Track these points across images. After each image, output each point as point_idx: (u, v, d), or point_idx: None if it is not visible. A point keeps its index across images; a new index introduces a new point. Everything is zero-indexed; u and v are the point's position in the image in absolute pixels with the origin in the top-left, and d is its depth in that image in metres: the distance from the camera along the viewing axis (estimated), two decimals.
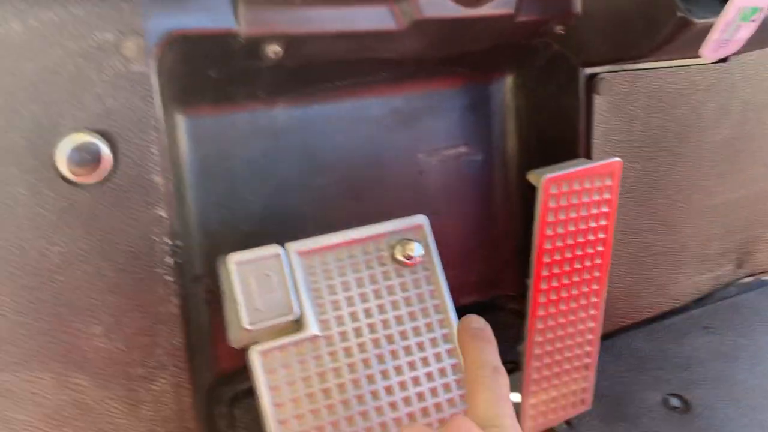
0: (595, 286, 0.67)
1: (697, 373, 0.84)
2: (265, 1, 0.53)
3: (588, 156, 0.76)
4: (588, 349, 0.69)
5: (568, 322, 0.67)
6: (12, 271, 0.48)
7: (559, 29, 0.71)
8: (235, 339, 0.54)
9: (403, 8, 0.59)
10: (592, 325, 0.68)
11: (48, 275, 0.49)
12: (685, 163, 0.85)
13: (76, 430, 0.52)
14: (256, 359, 0.53)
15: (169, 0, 0.50)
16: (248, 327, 0.52)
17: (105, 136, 0.49)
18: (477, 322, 0.55)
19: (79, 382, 0.52)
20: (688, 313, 0.94)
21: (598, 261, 0.66)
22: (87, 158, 0.48)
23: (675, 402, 0.80)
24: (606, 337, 0.87)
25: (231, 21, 0.53)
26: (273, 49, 0.56)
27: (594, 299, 0.67)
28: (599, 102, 0.75)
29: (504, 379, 0.49)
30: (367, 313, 0.58)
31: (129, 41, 0.48)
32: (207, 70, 0.59)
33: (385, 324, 0.58)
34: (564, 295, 0.65)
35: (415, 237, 0.60)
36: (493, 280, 0.88)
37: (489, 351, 0.51)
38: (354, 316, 0.57)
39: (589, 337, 0.69)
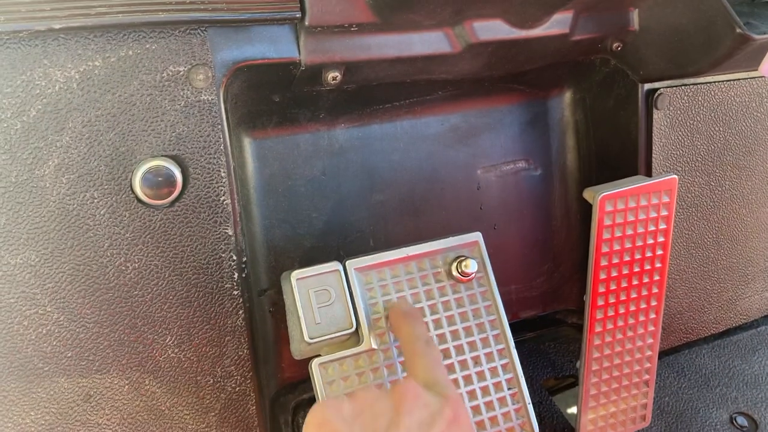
0: (653, 302, 0.67)
1: (767, 391, 0.82)
2: (325, 32, 0.55)
3: (648, 171, 0.76)
4: (647, 365, 0.69)
5: (626, 338, 0.67)
6: (93, 285, 0.52)
7: (616, 46, 0.71)
8: (296, 351, 0.57)
9: (458, 32, 0.61)
10: (651, 341, 0.68)
11: (125, 290, 0.53)
12: (751, 176, 0.83)
13: None
14: (316, 371, 0.55)
15: (235, 33, 0.53)
16: (308, 340, 0.55)
17: (177, 160, 0.53)
18: (406, 305, 0.59)
19: (153, 389, 0.56)
20: (757, 330, 0.92)
21: (656, 277, 0.66)
22: (161, 182, 0.51)
23: (742, 421, 0.79)
24: (669, 352, 0.86)
25: (294, 51, 0.55)
26: (332, 75, 0.59)
27: (652, 315, 0.67)
28: (659, 117, 0.74)
29: (436, 349, 0.54)
30: None
31: (199, 73, 0.52)
32: (271, 96, 0.63)
33: (441, 338, 0.60)
34: (621, 311, 0.66)
35: (470, 253, 0.62)
36: (555, 295, 0.88)
37: (420, 326, 0.56)
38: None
39: (648, 353, 0.69)
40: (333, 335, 0.56)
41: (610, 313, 0.65)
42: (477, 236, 0.62)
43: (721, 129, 0.79)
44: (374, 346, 0.57)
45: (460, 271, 0.60)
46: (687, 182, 0.78)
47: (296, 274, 0.56)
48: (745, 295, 0.89)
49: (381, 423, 0.45)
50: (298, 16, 0.54)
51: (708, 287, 0.85)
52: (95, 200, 0.51)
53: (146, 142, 0.52)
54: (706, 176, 0.80)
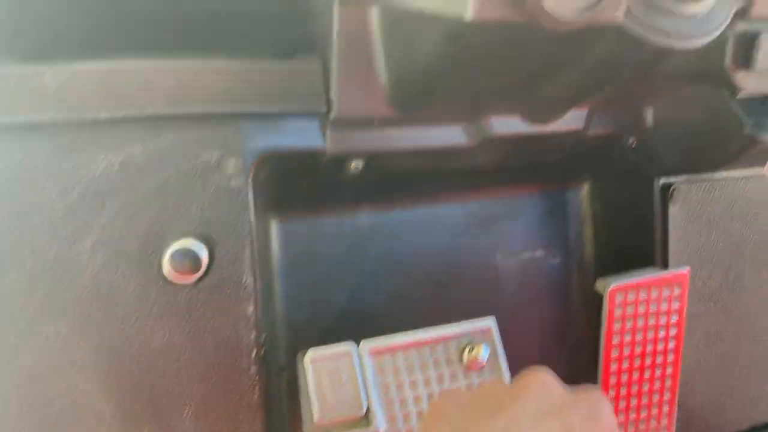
0: (666, 396, 0.67)
1: None
2: (349, 124, 0.59)
3: (665, 263, 0.77)
4: None
5: (638, 431, 0.67)
6: (117, 359, 0.55)
7: (632, 141, 0.73)
8: (309, 431, 0.58)
9: (476, 127, 0.64)
10: None
11: (148, 364, 0.56)
12: None
13: None
14: None
15: (264, 123, 0.57)
16: (319, 421, 0.56)
17: (205, 242, 0.56)
18: None
19: None
20: None
21: (669, 370, 0.66)
22: (188, 262, 0.55)
23: None
24: None
25: (319, 141, 0.59)
26: (354, 164, 0.62)
27: (666, 408, 0.67)
28: (674, 211, 0.76)
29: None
30: None
31: (230, 160, 0.56)
32: (297, 182, 0.66)
33: None
34: (633, 403, 0.66)
35: (483, 340, 0.63)
36: (572, 384, 0.87)
37: None
38: (421, 415, 0.60)
39: None
40: (343, 416, 0.57)
41: (622, 404, 0.65)
42: (491, 322, 0.64)
43: (738, 224, 0.80)
44: (384, 429, 0.58)
45: (471, 357, 0.62)
46: (704, 275, 0.79)
47: (310, 354, 0.58)
48: None
49: (492, 407, 0.41)
50: (324, 110, 0.58)
51: (729, 384, 0.84)
52: (126, 277, 0.54)
53: (177, 224, 0.55)
54: (724, 270, 0.80)
